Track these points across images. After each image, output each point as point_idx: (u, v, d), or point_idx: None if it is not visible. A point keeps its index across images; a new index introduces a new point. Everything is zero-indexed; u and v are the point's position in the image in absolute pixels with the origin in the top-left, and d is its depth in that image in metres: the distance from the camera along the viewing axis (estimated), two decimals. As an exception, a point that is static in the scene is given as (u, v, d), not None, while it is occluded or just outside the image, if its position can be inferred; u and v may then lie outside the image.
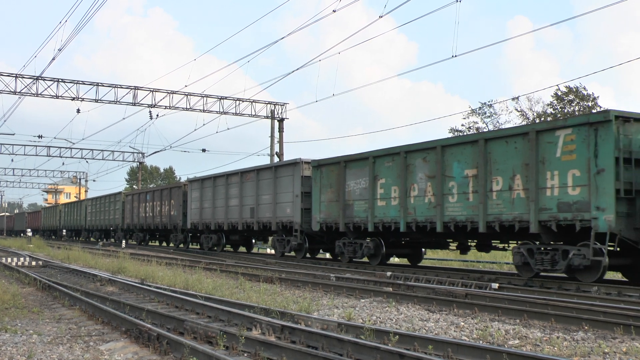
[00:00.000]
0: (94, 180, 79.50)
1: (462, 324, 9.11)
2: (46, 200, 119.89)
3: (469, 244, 18.43)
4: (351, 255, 20.20)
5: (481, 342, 7.84)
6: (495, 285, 13.06)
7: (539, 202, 13.84)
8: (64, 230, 59.08)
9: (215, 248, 29.97)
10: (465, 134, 50.99)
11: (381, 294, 12.27)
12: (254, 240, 32.38)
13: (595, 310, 9.51)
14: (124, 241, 40.15)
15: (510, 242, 16.78)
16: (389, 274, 15.90)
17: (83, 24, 30.77)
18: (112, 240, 45.52)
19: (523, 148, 14.30)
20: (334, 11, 20.98)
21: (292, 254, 24.17)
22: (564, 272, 13.51)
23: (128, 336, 8.00)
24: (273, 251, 25.88)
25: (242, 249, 32.47)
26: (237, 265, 20.31)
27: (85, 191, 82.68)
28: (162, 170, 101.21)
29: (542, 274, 14.50)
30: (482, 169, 15.22)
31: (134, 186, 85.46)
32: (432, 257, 26.55)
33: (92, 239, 51.74)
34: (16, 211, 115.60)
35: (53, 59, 28.23)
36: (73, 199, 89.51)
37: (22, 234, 72.34)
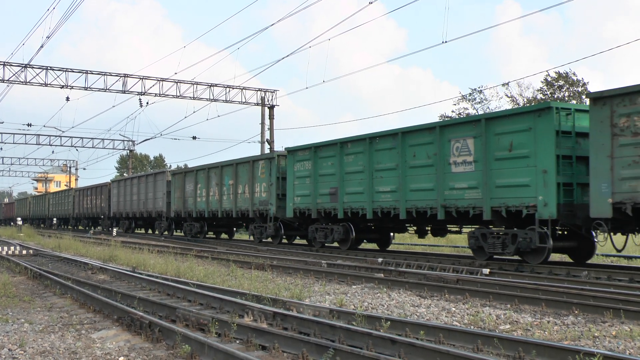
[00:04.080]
0: (84, 169, 79.39)
1: (454, 309, 9.16)
2: (36, 188, 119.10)
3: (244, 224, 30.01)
4: (189, 233, 31.19)
5: (472, 327, 7.89)
6: (486, 271, 13.14)
7: (253, 200, 25.05)
8: (54, 219, 59.71)
9: (128, 230, 40.15)
10: (462, 116, 50.93)
11: (372, 280, 12.31)
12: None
13: (585, 294, 9.58)
14: (114, 229, 40.26)
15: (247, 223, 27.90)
16: (380, 260, 15.96)
17: (71, 11, 30.51)
18: (70, 227, 55.15)
19: (249, 169, 25.42)
20: (324, -3, 20.89)
21: (166, 232, 34.84)
22: (266, 238, 24.84)
23: (120, 324, 7.99)
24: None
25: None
26: (228, 252, 20.33)
27: (76, 179, 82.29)
28: (152, 158, 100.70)
29: (264, 240, 25.36)
30: (235, 180, 26.49)
31: (124, 174, 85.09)
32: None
33: (54, 227, 59.51)
34: (6, 200, 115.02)
35: (41, 46, 28.12)
36: (63, 187, 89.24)
37: (12, 223, 72.63)
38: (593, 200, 12.65)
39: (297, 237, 26.07)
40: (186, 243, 27.38)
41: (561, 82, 48.26)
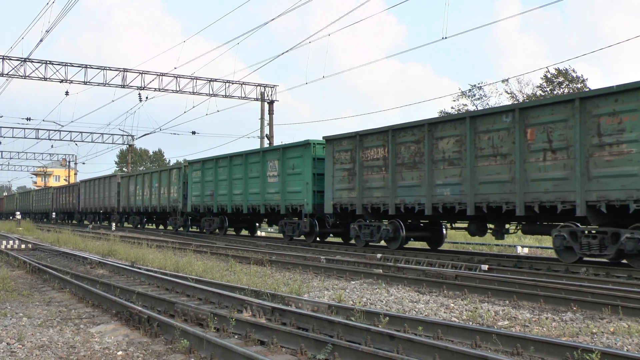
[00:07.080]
0: (83, 163, 79.32)
1: (452, 305, 9.16)
2: (35, 183, 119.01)
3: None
4: (133, 224, 39.54)
5: (471, 323, 7.90)
6: (485, 267, 13.15)
7: (169, 198, 32.45)
8: (54, 213, 60.09)
9: (93, 223, 46.48)
10: (451, 115, 50.82)
11: (371, 276, 12.32)
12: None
13: (584, 291, 9.59)
14: (114, 224, 40.29)
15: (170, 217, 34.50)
16: (379, 255, 15.96)
17: (71, 5, 30.42)
18: (52, 220, 62.05)
19: (168, 175, 32.86)
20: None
21: (118, 224, 42.11)
22: (179, 228, 32.37)
23: (119, 319, 7.99)
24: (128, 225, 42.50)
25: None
26: (227, 247, 20.34)
27: (75, 174, 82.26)
28: (151, 153, 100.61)
29: (178, 230, 32.78)
30: (159, 183, 33.88)
31: (124, 169, 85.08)
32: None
33: (52, 222, 63.90)
34: (5, 194, 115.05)
35: (41, 40, 27.99)
36: (62, 182, 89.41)
37: (11, 217, 72.94)
38: (325, 202, 20.46)
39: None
40: (145, 233, 33.27)
41: (561, 79, 48.23)
